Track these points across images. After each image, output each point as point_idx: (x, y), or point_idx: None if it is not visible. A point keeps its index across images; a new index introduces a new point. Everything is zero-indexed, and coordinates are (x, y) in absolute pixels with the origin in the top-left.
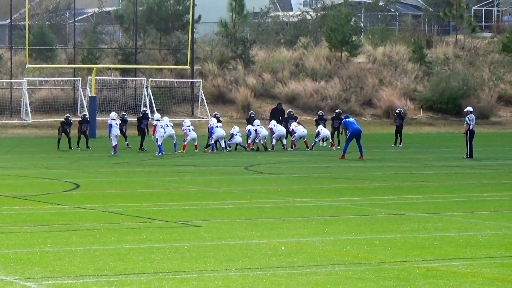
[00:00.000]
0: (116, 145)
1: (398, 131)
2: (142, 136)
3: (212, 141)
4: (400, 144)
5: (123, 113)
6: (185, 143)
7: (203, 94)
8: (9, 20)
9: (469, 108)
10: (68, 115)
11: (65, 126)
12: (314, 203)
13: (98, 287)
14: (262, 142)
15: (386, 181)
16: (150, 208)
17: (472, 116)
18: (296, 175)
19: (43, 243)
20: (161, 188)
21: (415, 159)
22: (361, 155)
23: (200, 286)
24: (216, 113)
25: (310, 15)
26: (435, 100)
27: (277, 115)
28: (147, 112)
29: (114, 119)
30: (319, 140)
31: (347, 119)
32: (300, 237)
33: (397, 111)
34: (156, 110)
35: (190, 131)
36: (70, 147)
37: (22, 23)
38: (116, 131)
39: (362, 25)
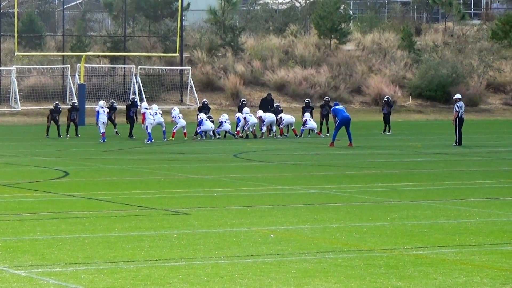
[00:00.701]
0: (104, 132)
1: (386, 119)
2: (131, 123)
3: (200, 130)
4: (389, 131)
5: (112, 100)
6: (174, 131)
7: (192, 81)
8: None
9: (458, 96)
10: (57, 102)
11: (54, 114)
12: (304, 190)
13: (87, 275)
14: (251, 129)
15: (375, 168)
16: (140, 196)
17: (461, 103)
18: (285, 163)
19: (32, 231)
20: (150, 176)
21: (404, 146)
22: (350, 142)
23: (190, 273)
24: (204, 100)
25: (299, 2)
26: (424, 87)
27: (265, 105)
28: (136, 100)
29: (102, 107)
30: (305, 129)
31: (336, 107)
32: (289, 224)
33: (385, 99)
34: (145, 97)
35: (179, 119)
36: (59, 135)
37: (11, 10)
38: (103, 118)
39: (351, 12)
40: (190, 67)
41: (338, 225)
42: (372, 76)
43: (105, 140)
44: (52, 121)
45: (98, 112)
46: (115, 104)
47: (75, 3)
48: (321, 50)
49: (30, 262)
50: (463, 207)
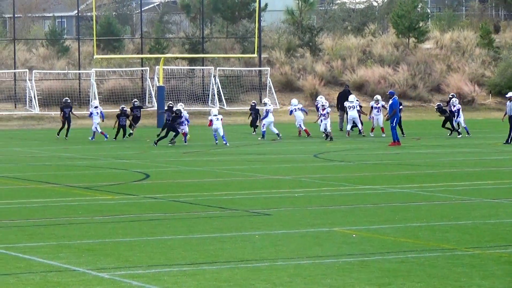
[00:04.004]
0: (100, 131)
1: (449, 120)
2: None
3: (263, 129)
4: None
5: (170, 103)
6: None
7: (271, 82)
8: (76, 11)
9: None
10: (123, 106)
11: (121, 117)
12: (384, 190)
13: (170, 276)
14: (303, 127)
15: (455, 167)
16: (221, 197)
17: None
18: (366, 162)
19: (114, 233)
20: (231, 177)
21: (485, 144)
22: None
23: (272, 274)
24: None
25: (377, 1)
26: (504, 85)
27: (343, 99)
28: (136, 102)
29: (96, 107)
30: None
31: (397, 99)
32: (371, 224)
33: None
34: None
35: (217, 120)
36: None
37: (89, 14)
38: (97, 118)
39: (428, 11)
40: (268, 68)
41: (419, 224)
42: (451, 74)
43: (105, 138)
44: (117, 124)
45: (91, 113)
46: (182, 110)
47: (152, 5)
48: (400, 49)
49: (112, 264)
50: None
